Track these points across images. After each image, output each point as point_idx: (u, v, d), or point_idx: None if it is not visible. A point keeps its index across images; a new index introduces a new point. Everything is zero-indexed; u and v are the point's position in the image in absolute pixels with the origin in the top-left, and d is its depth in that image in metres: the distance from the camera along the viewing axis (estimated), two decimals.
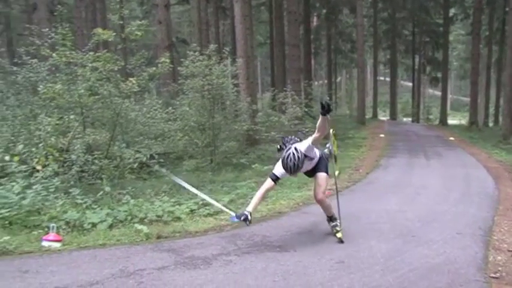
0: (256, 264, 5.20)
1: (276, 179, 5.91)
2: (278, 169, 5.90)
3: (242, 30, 15.94)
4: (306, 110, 16.02)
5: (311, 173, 6.40)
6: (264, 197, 6.10)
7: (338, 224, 6.44)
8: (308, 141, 5.89)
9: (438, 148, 19.45)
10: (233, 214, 6.11)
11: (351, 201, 9.07)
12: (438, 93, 48.18)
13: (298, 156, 5.65)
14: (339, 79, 56.78)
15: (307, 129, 14.57)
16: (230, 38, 29.91)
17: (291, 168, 5.66)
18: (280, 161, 5.84)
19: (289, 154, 5.67)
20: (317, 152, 6.23)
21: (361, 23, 31.20)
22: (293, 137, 6.62)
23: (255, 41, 29.58)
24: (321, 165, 6.30)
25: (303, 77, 25.91)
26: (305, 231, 6.67)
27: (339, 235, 6.23)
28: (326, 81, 46.04)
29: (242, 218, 5.63)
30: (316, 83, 45.39)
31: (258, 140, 15.08)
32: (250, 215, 5.68)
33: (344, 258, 5.37)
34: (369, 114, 39.89)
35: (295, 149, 5.71)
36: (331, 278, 4.72)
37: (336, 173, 6.91)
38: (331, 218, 6.49)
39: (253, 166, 11.60)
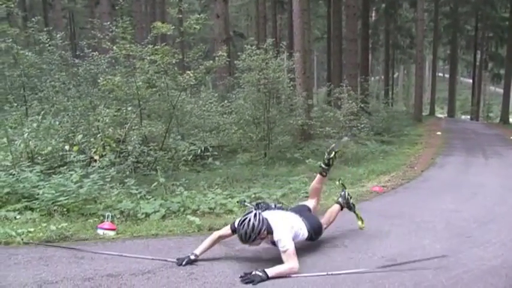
0: (306, 259, 5.16)
1: (235, 229, 4.97)
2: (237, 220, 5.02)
3: (300, 24, 15.85)
4: (362, 105, 15.80)
5: None
6: (215, 244, 5.20)
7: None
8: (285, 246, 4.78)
9: (498, 147, 18.85)
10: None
11: (404, 199, 8.94)
12: (500, 90, 46.55)
13: (253, 225, 4.69)
14: (396, 75, 55.80)
15: (362, 125, 14.42)
16: (287, 32, 29.75)
17: (242, 238, 4.76)
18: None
19: (245, 219, 4.74)
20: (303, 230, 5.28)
21: (421, 18, 30.48)
22: (276, 204, 5.71)
23: (312, 35, 29.40)
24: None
25: (359, 72, 25.57)
26: (357, 227, 6.57)
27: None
28: (383, 76, 45.30)
29: (184, 262, 4.92)
30: (372, 78, 44.75)
31: (312, 135, 15.00)
32: (195, 257, 5.00)
33: (396, 256, 5.26)
34: (425, 111, 39.05)
35: (256, 215, 4.78)
36: (382, 275, 4.64)
37: (359, 223, 6.36)
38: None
39: (306, 161, 11.55)
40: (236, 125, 13.04)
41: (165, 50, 9.97)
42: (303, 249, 5.54)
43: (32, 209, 6.78)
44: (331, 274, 4.69)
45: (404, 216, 7.27)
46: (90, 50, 10.98)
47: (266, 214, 4.94)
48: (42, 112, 10.79)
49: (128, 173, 8.77)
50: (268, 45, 12.44)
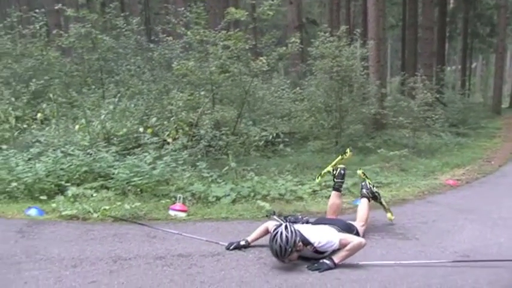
0: (376, 250, 5.08)
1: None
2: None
3: (374, 12, 15.52)
4: (437, 96, 15.34)
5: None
6: (264, 234, 5.01)
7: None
8: (335, 236, 4.69)
9: None
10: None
11: (480, 194, 8.63)
12: None
13: (287, 238, 4.37)
14: (474, 65, 53.77)
15: (436, 116, 14.01)
16: (361, 19, 29.23)
17: (277, 254, 4.40)
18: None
19: (276, 233, 4.41)
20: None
21: (504, 4, 29.09)
22: (303, 217, 5.39)
23: (387, 23, 28.78)
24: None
25: (435, 62, 24.81)
26: (429, 220, 6.40)
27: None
28: (460, 66, 43.74)
29: (232, 247, 4.92)
30: (449, 68, 43.31)
31: (385, 124, 14.70)
32: (246, 243, 4.99)
33: (469, 252, 5.06)
34: (505, 104, 37.40)
35: (287, 227, 4.48)
36: (454, 271, 4.48)
37: (389, 215, 6.18)
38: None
39: (378, 151, 11.32)
40: (308, 112, 12.94)
41: (238, 35, 9.99)
42: (374, 240, 5.46)
43: (107, 188, 7.00)
44: (400, 264, 4.60)
45: (479, 211, 7.00)
46: (165, 35, 11.16)
47: (296, 227, 4.64)
48: (118, 95, 11.10)
49: (199, 156, 8.88)
50: (341, 33, 12.24)
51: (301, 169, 9.41)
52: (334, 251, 4.62)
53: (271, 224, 4.95)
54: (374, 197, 6.02)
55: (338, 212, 5.90)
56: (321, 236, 4.67)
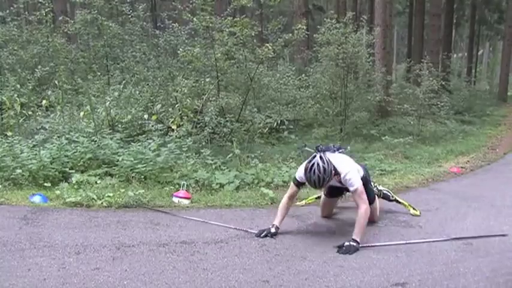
0: (379, 238, 5.08)
1: (298, 183, 5.11)
2: (299, 172, 5.07)
3: None
4: (443, 83, 15.26)
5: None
6: (289, 207, 5.24)
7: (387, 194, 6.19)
8: (355, 185, 4.86)
9: None
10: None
11: (484, 182, 8.60)
12: None
13: (324, 169, 4.68)
14: (480, 52, 53.36)
15: (442, 104, 13.97)
16: (368, 5, 29.07)
17: (315, 184, 4.75)
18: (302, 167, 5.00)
19: (313, 164, 4.71)
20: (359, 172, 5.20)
21: None
22: (334, 145, 5.51)
23: (394, 10, 28.56)
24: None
25: (441, 49, 24.67)
26: (432, 208, 6.39)
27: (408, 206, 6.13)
28: (466, 54, 43.39)
29: (263, 234, 4.98)
30: (455, 55, 42.99)
31: (390, 112, 14.65)
32: (276, 230, 5.04)
33: (472, 240, 5.07)
34: (511, 91, 37.23)
35: (321, 157, 4.76)
36: (457, 259, 4.48)
37: (412, 211, 6.07)
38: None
39: (383, 138, 11.30)
40: (313, 99, 12.91)
41: (244, 22, 9.94)
42: (377, 228, 5.47)
43: (111, 175, 7.03)
44: (409, 243, 4.74)
45: (483, 199, 6.98)
46: (171, 22, 11.14)
47: (327, 156, 4.87)
48: (123, 82, 11.10)
49: (204, 143, 8.89)
50: (348, 19, 12.18)
51: (306, 156, 9.39)
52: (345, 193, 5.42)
53: (290, 191, 5.19)
54: (385, 197, 6.10)
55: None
56: (350, 170, 4.92)
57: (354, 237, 4.67)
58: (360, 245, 4.61)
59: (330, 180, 4.83)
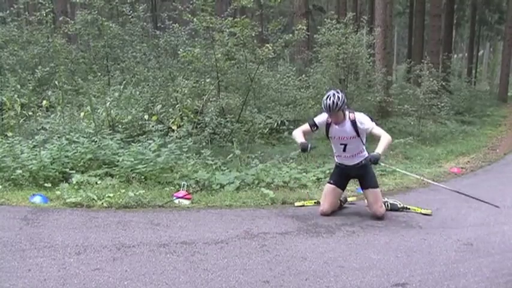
0: (379, 238, 5.09)
1: (313, 124, 5.88)
2: (319, 117, 5.89)
3: None
4: (443, 84, 15.27)
5: (352, 175, 6.13)
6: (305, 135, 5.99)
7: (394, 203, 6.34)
8: (369, 123, 5.73)
9: None
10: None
11: (484, 182, 8.61)
12: None
13: (339, 97, 5.47)
14: (481, 52, 53.31)
15: (442, 104, 13.98)
16: (368, 6, 29.08)
17: (329, 107, 5.49)
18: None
19: (330, 94, 5.53)
20: (364, 152, 5.90)
21: None
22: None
23: (394, 10, 28.56)
24: (369, 177, 5.95)
25: (442, 49, 24.68)
26: (433, 208, 6.39)
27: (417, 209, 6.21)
28: (466, 54, 43.35)
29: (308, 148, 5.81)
30: (455, 56, 42.95)
31: (390, 112, 14.66)
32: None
33: (473, 240, 5.07)
34: (511, 92, 37.19)
35: (339, 91, 5.61)
36: (457, 259, 4.48)
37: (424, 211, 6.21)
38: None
39: None
40: (313, 99, 12.89)
41: (244, 22, 9.96)
42: (377, 228, 5.47)
43: (111, 175, 7.02)
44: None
45: (483, 199, 6.98)
46: (171, 22, 11.15)
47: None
48: (124, 82, 11.11)
49: (204, 143, 8.89)
50: (348, 20, 12.20)
51: (306, 157, 9.40)
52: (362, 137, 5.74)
53: (304, 127, 6.01)
54: (392, 208, 6.25)
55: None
56: (363, 115, 5.74)
57: (377, 150, 5.45)
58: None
59: (341, 110, 5.55)
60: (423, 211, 6.03)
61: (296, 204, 6.44)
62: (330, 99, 5.45)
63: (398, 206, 6.23)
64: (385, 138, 5.54)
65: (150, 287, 3.71)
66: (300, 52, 17.46)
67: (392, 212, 6.10)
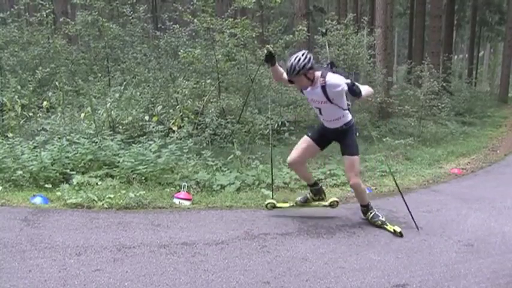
0: (380, 239, 5.09)
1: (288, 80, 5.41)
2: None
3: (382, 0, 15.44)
4: (444, 84, 15.27)
5: (332, 137, 5.60)
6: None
7: (377, 214, 5.61)
8: (342, 82, 4.92)
9: None
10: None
11: (485, 183, 8.62)
12: None
13: (299, 59, 4.95)
14: (481, 53, 53.31)
15: (442, 105, 13.98)
16: (368, 7, 29.12)
17: (287, 70, 5.08)
18: None
19: (296, 55, 5.03)
20: (345, 117, 5.38)
21: None
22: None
23: (394, 11, 28.59)
24: (347, 144, 5.42)
25: (442, 50, 24.68)
26: (433, 209, 6.40)
27: (391, 228, 5.38)
28: (467, 55, 43.32)
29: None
30: (456, 57, 42.96)
31: (390, 113, 14.66)
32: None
33: (473, 241, 5.08)
34: None
35: (305, 53, 5.03)
36: (458, 260, 4.49)
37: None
38: (367, 208, 5.68)
39: (384, 139, 11.30)
40: None
41: (245, 23, 9.96)
42: (378, 229, 5.47)
43: (112, 176, 7.02)
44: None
45: (484, 200, 7.00)
46: (171, 23, 11.13)
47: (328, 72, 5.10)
48: (124, 83, 11.10)
49: (204, 144, 8.88)
50: (348, 21, 12.21)
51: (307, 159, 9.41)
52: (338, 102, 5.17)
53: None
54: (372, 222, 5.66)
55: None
56: (336, 78, 4.99)
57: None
58: None
59: (301, 74, 5.00)
60: (396, 229, 5.37)
61: (266, 201, 6.19)
62: (290, 60, 5.02)
63: (379, 221, 5.53)
64: (368, 88, 5.32)
65: None
66: None
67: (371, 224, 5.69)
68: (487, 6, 37.32)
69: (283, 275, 4.03)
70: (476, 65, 40.46)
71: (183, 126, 9.14)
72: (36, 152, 7.20)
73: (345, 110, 5.32)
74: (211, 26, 9.78)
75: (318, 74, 5.08)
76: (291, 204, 6.11)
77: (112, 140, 7.95)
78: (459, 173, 9.37)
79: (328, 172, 8.15)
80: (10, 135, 8.49)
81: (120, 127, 9.10)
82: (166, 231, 5.11)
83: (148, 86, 10.65)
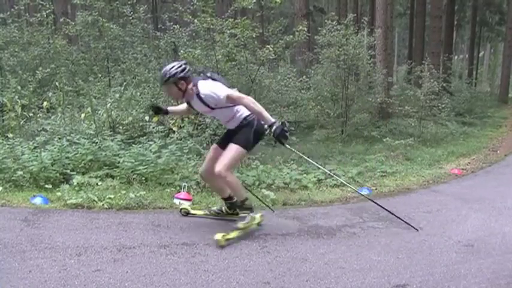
0: (380, 239, 5.09)
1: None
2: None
3: (382, 0, 15.44)
4: (444, 85, 15.28)
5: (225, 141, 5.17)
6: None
7: (248, 217, 5.14)
8: (223, 91, 4.75)
9: None
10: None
11: (485, 183, 8.62)
12: None
13: (170, 67, 4.80)
14: (481, 54, 53.28)
15: (442, 105, 13.97)
16: (369, 7, 29.10)
17: (160, 76, 4.95)
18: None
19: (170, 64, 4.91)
20: (240, 113, 5.08)
21: None
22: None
23: (394, 11, 28.59)
24: (240, 135, 5.03)
25: (442, 51, 24.68)
26: (433, 210, 6.40)
27: (231, 235, 4.89)
28: (467, 55, 43.29)
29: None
30: (456, 57, 42.94)
31: (391, 113, 14.68)
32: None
33: (474, 242, 5.07)
34: None
35: (180, 63, 4.88)
36: (458, 261, 4.49)
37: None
38: (242, 204, 5.21)
39: (384, 140, 11.31)
40: (314, 101, 12.94)
41: (245, 23, 9.95)
42: (378, 229, 5.47)
43: (112, 177, 7.01)
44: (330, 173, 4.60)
45: (484, 201, 7.00)
46: (171, 23, 11.14)
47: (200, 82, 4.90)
48: (124, 83, 11.10)
49: (205, 144, 8.87)
50: (349, 21, 12.23)
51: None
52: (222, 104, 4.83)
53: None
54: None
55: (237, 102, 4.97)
56: (211, 87, 4.80)
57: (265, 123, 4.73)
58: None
59: (171, 83, 4.79)
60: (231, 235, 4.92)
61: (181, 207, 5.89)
62: (164, 67, 4.90)
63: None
64: (253, 105, 4.71)
65: None
66: (300, 53, 17.48)
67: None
68: (487, 7, 37.28)
69: (283, 276, 4.03)
70: (477, 65, 40.41)
71: (183, 126, 9.13)
72: (37, 152, 7.19)
73: (234, 106, 5.01)
74: (211, 26, 9.76)
75: (191, 85, 4.88)
76: (205, 213, 5.78)
77: (112, 140, 7.94)
78: (459, 173, 9.37)
79: (328, 172, 8.14)
80: (10, 135, 8.48)
81: (120, 127, 9.09)
82: (166, 231, 5.10)
83: (149, 86, 10.65)
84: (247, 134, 4.99)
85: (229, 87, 5.01)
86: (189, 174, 7.17)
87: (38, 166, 6.74)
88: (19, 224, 5.09)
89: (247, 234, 5.06)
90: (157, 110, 5.53)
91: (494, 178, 9.14)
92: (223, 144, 5.16)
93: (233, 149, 4.92)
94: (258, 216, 5.27)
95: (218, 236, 4.69)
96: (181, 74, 4.78)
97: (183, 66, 4.83)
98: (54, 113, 10.20)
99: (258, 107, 4.70)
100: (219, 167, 4.79)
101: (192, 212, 5.81)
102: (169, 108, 5.66)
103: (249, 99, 4.75)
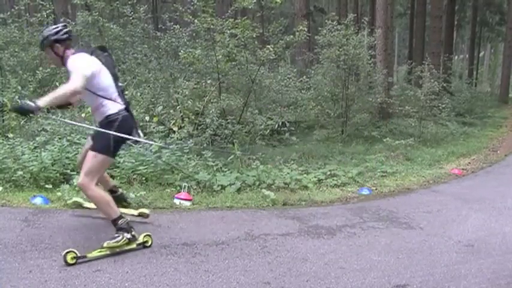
0: (380, 239, 5.09)
1: None
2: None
3: (383, 0, 15.44)
4: (444, 85, 15.28)
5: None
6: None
7: (119, 238, 4.44)
8: (79, 67, 4.28)
9: None
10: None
11: (485, 183, 8.63)
12: None
13: (49, 29, 4.47)
14: (482, 54, 53.26)
15: (443, 105, 13.97)
16: (369, 7, 29.09)
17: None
18: None
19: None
20: (105, 108, 4.51)
21: None
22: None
23: (395, 11, 28.59)
24: (99, 138, 4.55)
25: (443, 51, 24.67)
26: (434, 210, 6.40)
27: (92, 254, 4.24)
28: (467, 55, 43.29)
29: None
30: (456, 57, 42.92)
31: (391, 113, 14.69)
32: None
33: (474, 242, 5.08)
34: None
35: (59, 27, 4.48)
36: (458, 261, 4.49)
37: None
38: (114, 223, 4.51)
39: (384, 140, 11.31)
40: (314, 101, 12.94)
41: (245, 24, 9.96)
42: (378, 229, 5.47)
43: (112, 177, 6.97)
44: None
45: (484, 201, 7.01)
46: (172, 23, 11.13)
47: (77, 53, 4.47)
48: (125, 83, 11.07)
49: (205, 145, 8.88)
50: (349, 21, 12.22)
51: (307, 158, 9.43)
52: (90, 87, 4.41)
53: None
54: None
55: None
56: (78, 57, 4.41)
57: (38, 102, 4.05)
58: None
59: (47, 47, 4.44)
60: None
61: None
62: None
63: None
64: (60, 89, 4.25)
65: None
66: (300, 53, 17.48)
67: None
68: (487, 7, 37.26)
69: (283, 276, 4.03)
70: (477, 65, 40.41)
71: (184, 126, 9.14)
72: (37, 152, 7.18)
73: (102, 97, 4.51)
74: (211, 26, 9.77)
75: (71, 51, 4.46)
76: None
77: None
78: (459, 173, 9.37)
79: (328, 173, 8.14)
80: (10, 135, 8.47)
81: None
82: (166, 231, 5.10)
83: (149, 86, 10.64)
84: (107, 137, 4.41)
85: (114, 73, 4.66)
86: (190, 174, 7.19)
87: (38, 166, 6.74)
88: (19, 224, 5.09)
89: (247, 235, 5.06)
90: (23, 111, 4.19)
91: (495, 178, 9.15)
92: (92, 137, 4.79)
93: (93, 157, 4.39)
94: (141, 237, 4.57)
95: (67, 254, 4.07)
96: (55, 37, 4.38)
97: (60, 28, 4.45)
98: (55, 113, 10.19)
99: (59, 92, 4.21)
100: (80, 178, 4.36)
101: (85, 205, 5.69)
102: (41, 102, 4.10)
103: (65, 86, 4.24)
